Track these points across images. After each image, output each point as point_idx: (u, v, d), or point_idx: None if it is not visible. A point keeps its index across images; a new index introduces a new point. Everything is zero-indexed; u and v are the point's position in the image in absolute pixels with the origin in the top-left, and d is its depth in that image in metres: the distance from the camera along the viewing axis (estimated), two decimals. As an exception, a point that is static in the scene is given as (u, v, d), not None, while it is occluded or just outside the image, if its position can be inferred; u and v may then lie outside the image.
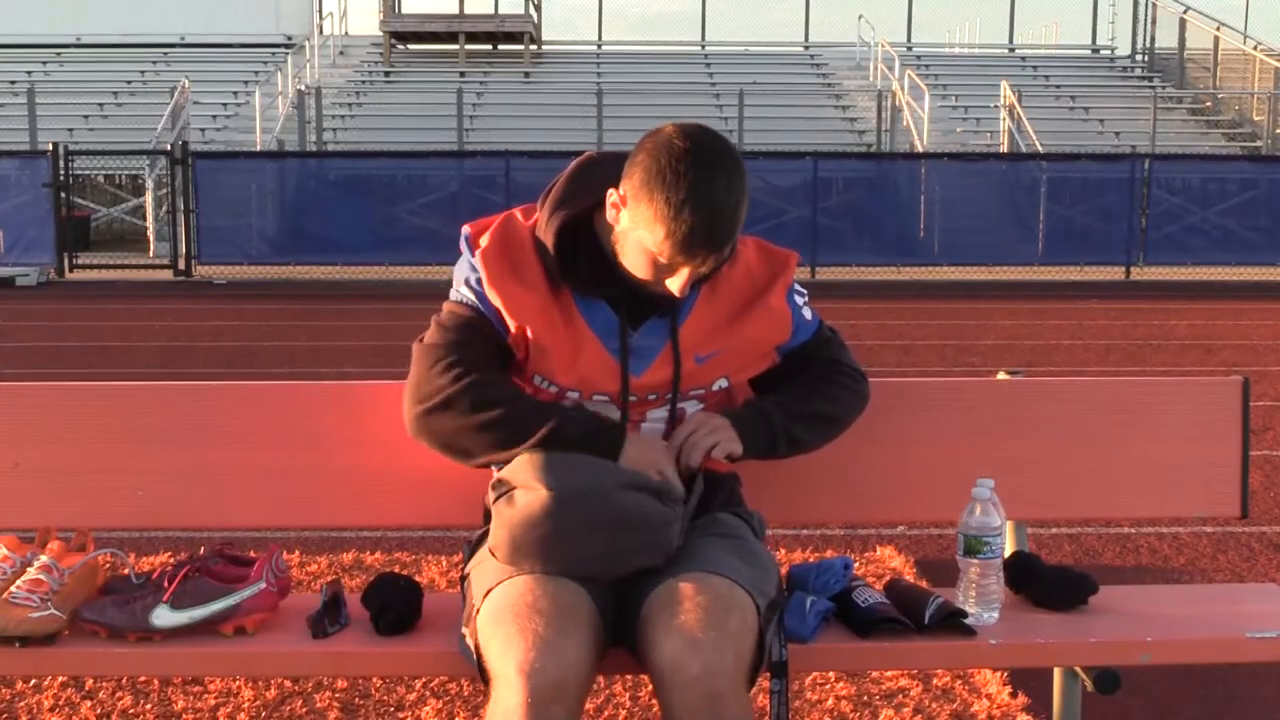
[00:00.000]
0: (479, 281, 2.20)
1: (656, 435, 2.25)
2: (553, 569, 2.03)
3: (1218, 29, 23.42)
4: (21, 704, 3.03)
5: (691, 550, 2.11)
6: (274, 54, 24.44)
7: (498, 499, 2.09)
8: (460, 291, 2.23)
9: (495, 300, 2.18)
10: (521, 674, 1.87)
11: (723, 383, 2.30)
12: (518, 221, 2.25)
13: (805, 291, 2.36)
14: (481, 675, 2.00)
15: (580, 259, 2.18)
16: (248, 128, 20.33)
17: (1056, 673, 2.57)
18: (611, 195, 2.12)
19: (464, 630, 2.10)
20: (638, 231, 2.07)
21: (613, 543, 2.04)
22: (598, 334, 2.19)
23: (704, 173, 2.01)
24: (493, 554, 2.10)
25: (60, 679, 3.13)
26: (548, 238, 2.17)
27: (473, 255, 2.21)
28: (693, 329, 2.22)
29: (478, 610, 2.03)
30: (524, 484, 2.06)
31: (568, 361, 2.19)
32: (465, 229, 2.26)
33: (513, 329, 2.19)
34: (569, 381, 2.21)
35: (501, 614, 1.97)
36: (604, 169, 2.19)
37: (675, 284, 2.10)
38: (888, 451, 2.59)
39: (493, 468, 2.28)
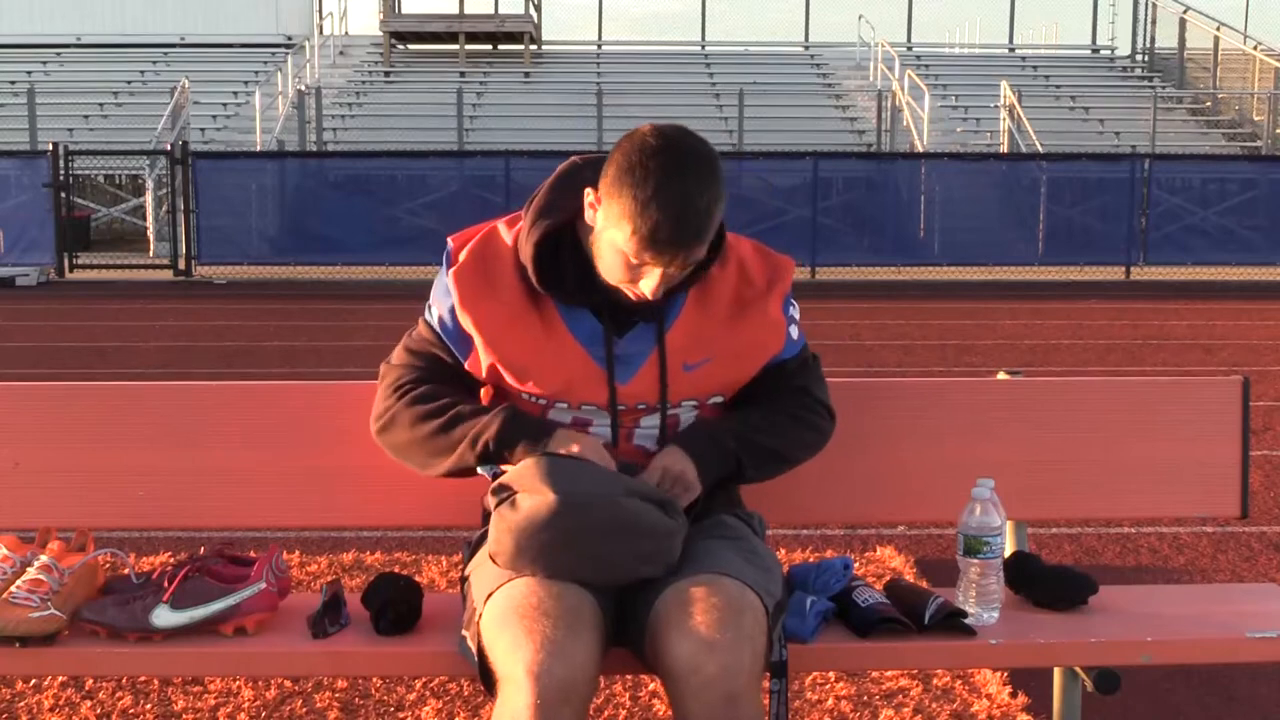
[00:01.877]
0: (451, 307, 2.21)
1: (604, 438, 2.21)
2: (556, 574, 2.02)
3: (1218, 29, 23.43)
4: (21, 704, 3.03)
5: (698, 552, 2.10)
6: (274, 54, 24.43)
7: (499, 504, 2.08)
8: (431, 312, 2.26)
9: (466, 323, 2.19)
10: (530, 675, 1.86)
11: (718, 399, 2.27)
12: (498, 235, 2.24)
13: (797, 305, 2.33)
14: (483, 678, 2.00)
15: (564, 268, 2.17)
16: (248, 128, 20.33)
17: (1056, 673, 2.57)
18: (588, 195, 2.12)
19: (464, 633, 2.10)
20: (609, 230, 2.07)
21: (615, 551, 2.03)
22: (582, 343, 2.18)
23: (673, 170, 2.01)
24: (493, 560, 2.09)
25: (60, 679, 3.13)
26: (527, 249, 2.16)
27: (447, 273, 2.22)
28: (681, 334, 2.20)
29: (480, 615, 2.02)
30: (529, 488, 2.05)
31: (550, 373, 2.18)
32: (449, 242, 2.26)
33: (481, 352, 2.19)
34: (555, 392, 2.20)
35: (507, 616, 1.96)
36: (585, 175, 2.18)
37: (647, 285, 2.08)
38: (888, 451, 2.59)
39: (481, 471, 2.28)
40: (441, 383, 2.25)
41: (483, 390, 2.30)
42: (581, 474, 2.06)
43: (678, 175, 2.01)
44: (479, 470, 2.22)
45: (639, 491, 2.06)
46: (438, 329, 2.24)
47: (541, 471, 2.05)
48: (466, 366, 2.24)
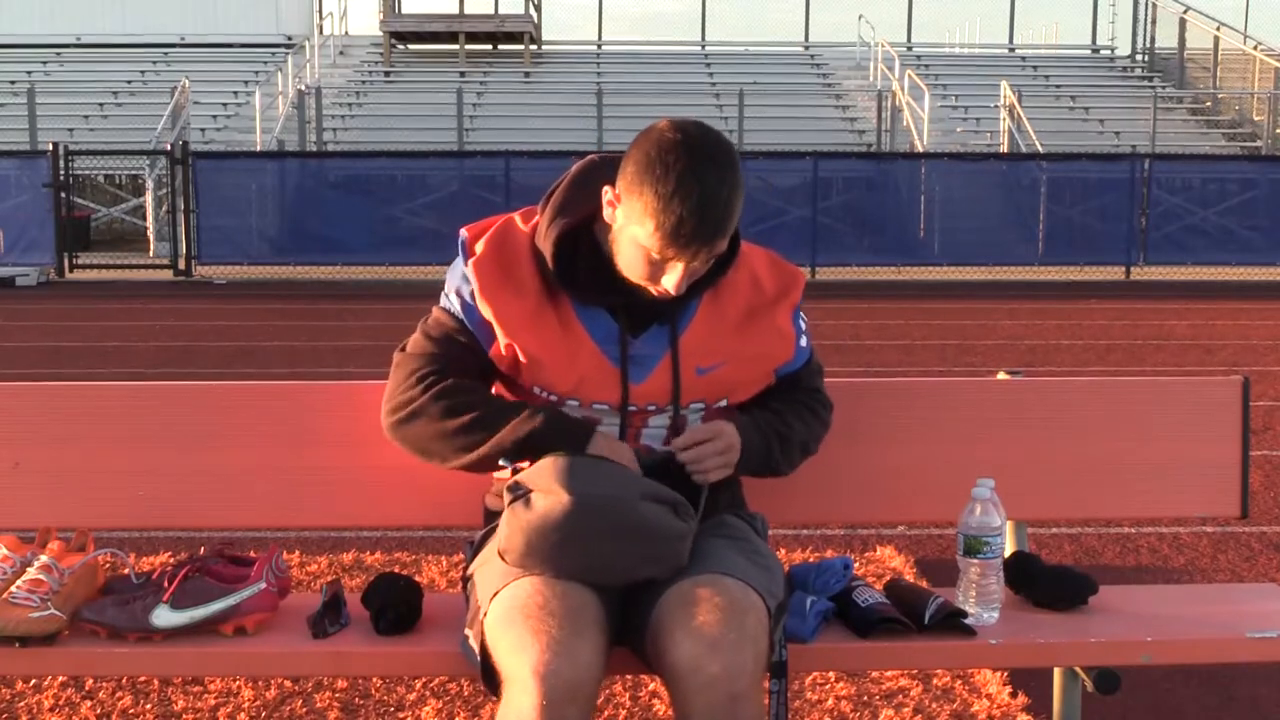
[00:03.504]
0: (471, 294, 2.19)
1: (615, 435, 2.21)
2: (563, 574, 2.02)
3: (1218, 29, 23.43)
4: (21, 704, 3.03)
5: (701, 552, 2.10)
6: (274, 54, 24.44)
7: (513, 501, 2.06)
8: (449, 299, 2.23)
9: (486, 312, 2.17)
10: (536, 675, 1.86)
11: (723, 402, 2.27)
12: (516, 227, 2.23)
13: (806, 319, 2.36)
14: (486, 678, 2.00)
15: (580, 266, 2.16)
16: (248, 128, 20.34)
17: (1056, 673, 2.57)
18: (607, 193, 2.10)
19: (467, 632, 2.10)
20: (630, 227, 2.06)
21: (626, 553, 2.02)
22: (597, 342, 2.17)
23: (694, 164, 2.00)
24: (501, 557, 2.08)
25: (60, 679, 3.13)
26: (547, 246, 2.15)
27: (466, 263, 2.21)
28: (694, 337, 2.20)
29: (484, 614, 2.02)
30: (544, 488, 2.04)
31: (564, 370, 2.17)
32: (463, 232, 2.24)
33: (501, 342, 2.18)
34: (567, 390, 2.19)
35: (512, 615, 1.96)
36: (605, 172, 2.16)
37: (670, 281, 2.07)
38: (888, 451, 2.59)
39: (502, 463, 2.27)
40: (462, 374, 2.21)
41: (493, 388, 2.29)
42: (598, 475, 2.05)
43: (698, 169, 2.00)
44: (500, 462, 2.20)
45: (652, 493, 2.06)
46: (460, 314, 2.20)
47: (558, 471, 2.04)
48: (490, 354, 2.21)
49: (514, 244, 2.20)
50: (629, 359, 2.18)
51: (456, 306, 2.21)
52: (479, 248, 2.20)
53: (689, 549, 2.08)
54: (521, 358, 2.18)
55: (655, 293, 2.12)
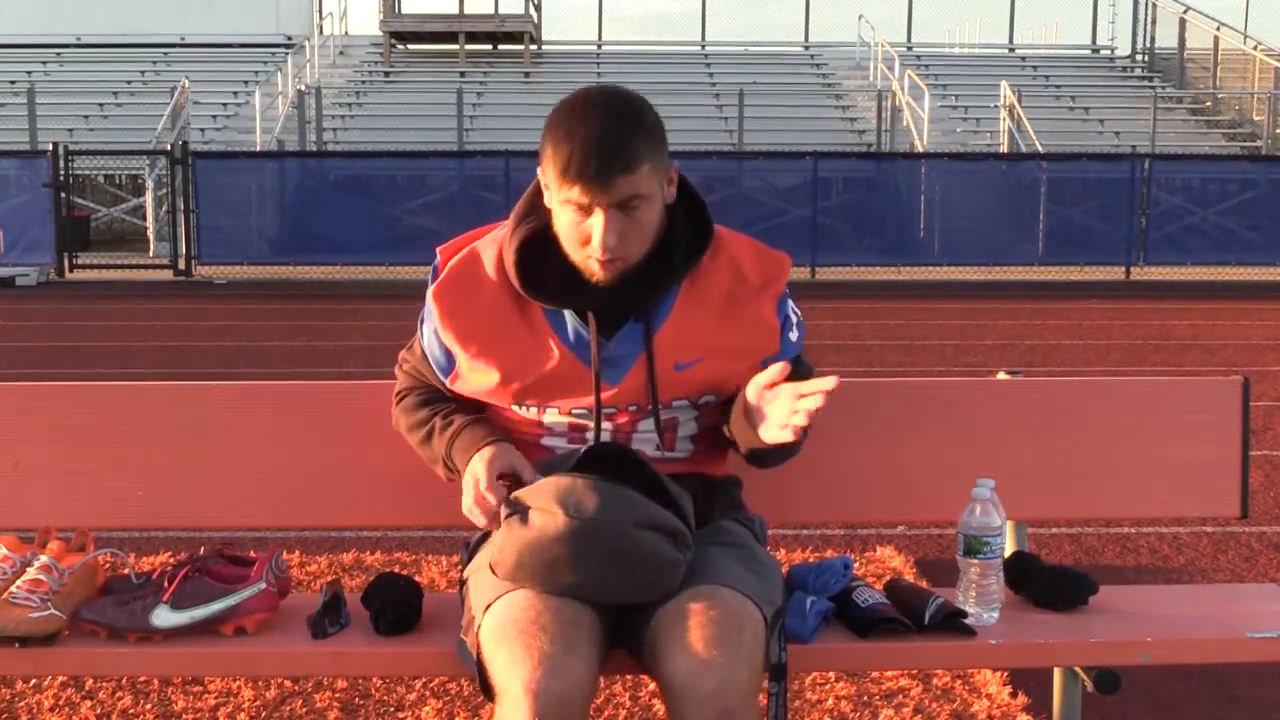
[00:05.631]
0: (434, 329, 2.21)
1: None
2: (551, 591, 2.00)
3: (1218, 29, 23.43)
4: (21, 704, 3.03)
5: (699, 561, 2.07)
6: (274, 54, 24.43)
7: (509, 516, 2.04)
8: (422, 329, 2.28)
9: (447, 339, 2.19)
10: (529, 693, 1.86)
11: (709, 398, 2.22)
12: (485, 243, 2.21)
13: (799, 311, 2.26)
14: (484, 687, 1.99)
15: (547, 271, 2.12)
16: (248, 128, 20.33)
17: (1056, 673, 2.57)
18: (539, 177, 2.10)
19: (464, 638, 2.10)
20: (549, 192, 2.06)
21: (615, 577, 2.00)
22: (570, 347, 2.13)
23: (589, 106, 2.02)
24: (492, 569, 2.06)
25: (60, 679, 3.13)
26: (509, 254, 2.13)
27: (431, 289, 2.21)
28: (670, 332, 2.14)
29: (479, 625, 2.01)
30: (542, 507, 2.01)
31: (538, 379, 2.15)
32: (437, 255, 2.23)
33: (465, 368, 2.19)
34: (544, 400, 2.18)
35: (505, 629, 1.95)
36: None
37: (595, 234, 2.02)
38: (888, 451, 2.59)
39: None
40: (435, 388, 2.30)
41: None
42: (597, 498, 2.01)
43: (592, 110, 2.01)
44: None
45: (650, 520, 2.01)
46: (425, 349, 2.27)
47: (558, 491, 2.02)
48: (451, 387, 2.24)
49: (479, 261, 2.18)
50: (603, 361, 2.14)
51: (425, 342, 2.27)
52: (444, 272, 2.20)
53: (681, 576, 2.04)
54: (496, 376, 2.16)
55: (597, 267, 2.06)
